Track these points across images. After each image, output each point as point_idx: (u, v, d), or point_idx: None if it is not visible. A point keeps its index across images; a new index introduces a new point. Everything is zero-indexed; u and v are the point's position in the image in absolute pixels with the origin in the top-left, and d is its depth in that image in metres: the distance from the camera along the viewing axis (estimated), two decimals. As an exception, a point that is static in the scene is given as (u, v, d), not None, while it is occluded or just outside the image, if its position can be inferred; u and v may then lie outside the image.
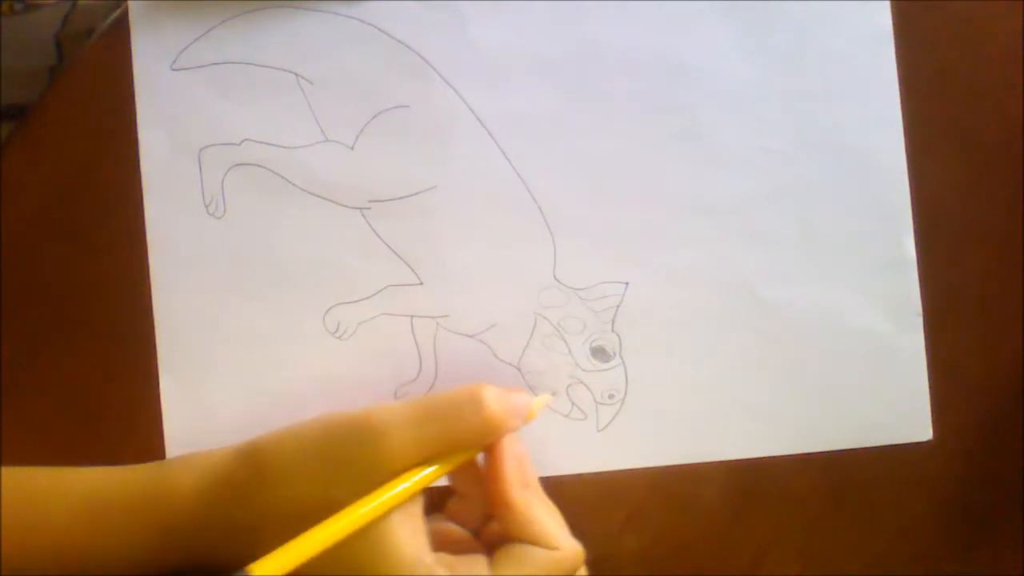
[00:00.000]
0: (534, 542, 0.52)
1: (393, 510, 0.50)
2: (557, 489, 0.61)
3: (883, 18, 0.62)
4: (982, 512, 0.65)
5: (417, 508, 0.52)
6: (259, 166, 0.61)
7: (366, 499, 0.49)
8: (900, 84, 0.62)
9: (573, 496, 0.62)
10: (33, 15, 0.65)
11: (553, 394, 0.61)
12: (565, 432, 0.62)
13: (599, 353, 0.62)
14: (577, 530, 0.61)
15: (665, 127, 0.62)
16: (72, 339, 0.62)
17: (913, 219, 0.62)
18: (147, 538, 0.52)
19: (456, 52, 0.61)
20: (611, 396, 0.62)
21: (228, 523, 0.51)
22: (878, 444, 0.62)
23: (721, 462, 0.62)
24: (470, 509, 0.56)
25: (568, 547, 0.53)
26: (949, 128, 0.64)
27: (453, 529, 0.56)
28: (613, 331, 0.62)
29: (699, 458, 0.62)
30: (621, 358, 0.62)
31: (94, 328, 0.62)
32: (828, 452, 0.62)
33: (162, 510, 0.52)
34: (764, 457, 0.62)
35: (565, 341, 0.62)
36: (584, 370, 0.62)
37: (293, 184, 0.61)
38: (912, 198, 0.62)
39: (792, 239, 0.62)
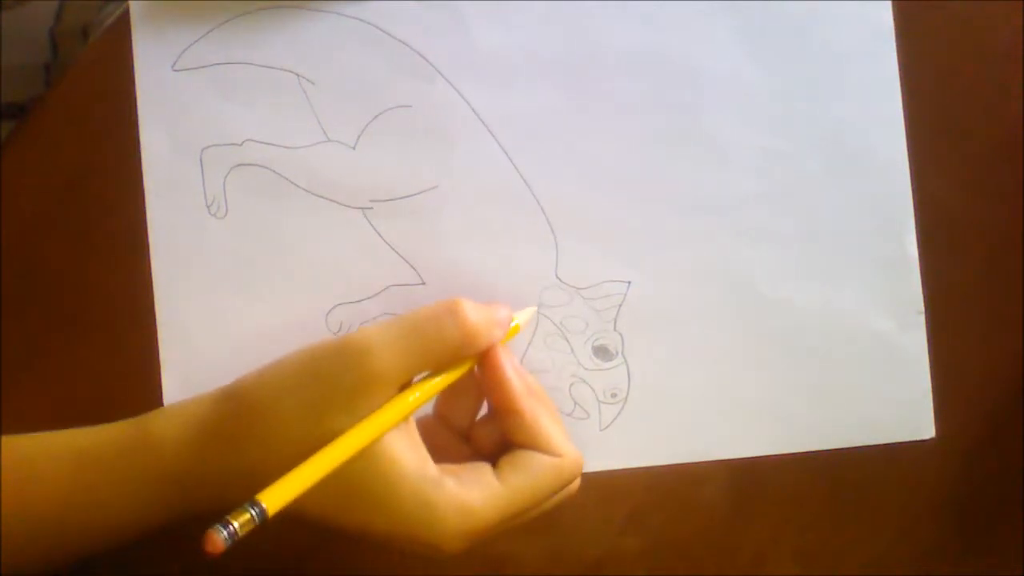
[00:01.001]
0: (539, 449, 0.53)
1: (390, 430, 0.50)
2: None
3: (884, 17, 0.62)
4: (982, 512, 0.65)
5: (412, 425, 0.52)
6: (261, 166, 0.61)
7: (363, 423, 0.49)
8: (901, 85, 0.62)
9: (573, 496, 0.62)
10: (26, 9, 0.64)
11: (537, 307, 0.61)
12: (568, 431, 0.62)
13: (601, 352, 0.62)
14: (577, 530, 0.62)
15: (667, 126, 0.62)
16: (72, 339, 0.62)
17: (913, 215, 0.62)
18: (139, 491, 0.51)
19: (458, 52, 0.61)
20: (613, 395, 0.62)
21: (223, 469, 0.50)
22: (880, 442, 0.63)
23: (721, 462, 0.63)
24: (459, 412, 0.56)
25: (571, 454, 0.53)
26: (949, 128, 0.64)
27: (442, 432, 0.56)
28: (615, 330, 0.62)
29: (702, 457, 0.62)
30: (623, 357, 0.62)
31: (95, 328, 0.62)
32: (828, 452, 0.62)
33: (150, 462, 0.51)
34: (764, 457, 0.62)
35: (567, 340, 0.62)
36: (586, 369, 0.62)
37: (295, 184, 0.61)
38: (913, 197, 0.62)
39: (794, 238, 0.62)
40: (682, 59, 0.62)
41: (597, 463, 0.62)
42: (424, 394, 0.51)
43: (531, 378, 0.55)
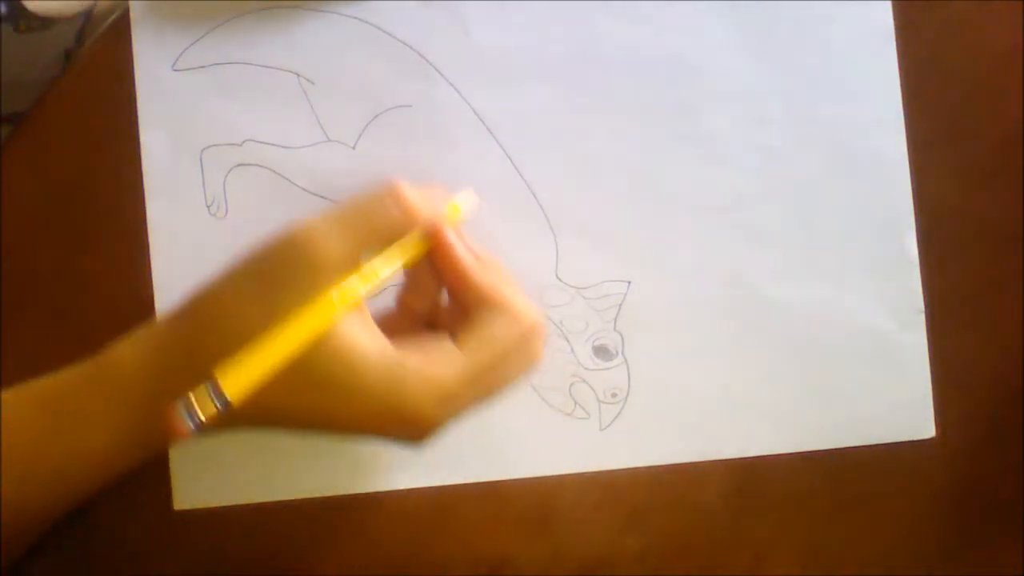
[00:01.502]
0: (494, 310, 0.52)
1: (343, 314, 0.50)
2: (557, 489, 0.61)
3: (885, 17, 0.62)
4: (982, 512, 0.65)
5: (365, 311, 0.51)
6: (261, 166, 0.61)
7: (314, 303, 0.49)
8: (900, 84, 0.62)
9: (573, 496, 0.62)
10: (48, 31, 0.65)
11: (478, 196, 0.59)
12: (568, 431, 0.62)
13: (601, 352, 0.62)
14: (577, 530, 0.62)
15: (668, 126, 0.62)
16: (72, 340, 0.62)
17: (913, 215, 0.62)
18: (107, 419, 0.51)
19: (458, 52, 0.61)
20: (614, 395, 0.62)
21: (184, 381, 0.49)
22: (881, 442, 0.63)
23: (721, 462, 0.63)
24: (420, 297, 0.56)
25: (525, 307, 0.53)
26: (949, 128, 0.64)
27: (405, 320, 0.56)
28: (615, 330, 0.62)
29: (702, 456, 0.62)
30: (624, 357, 0.62)
31: (95, 329, 0.62)
32: (829, 452, 0.63)
33: (113, 388, 0.51)
34: (765, 457, 0.62)
35: (567, 340, 0.62)
36: (587, 369, 0.62)
37: (295, 184, 0.61)
38: (913, 197, 0.62)
39: (794, 237, 0.62)
40: (682, 59, 0.62)
41: (597, 463, 0.62)
42: (375, 274, 0.51)
43: (483, 250, 0.54)
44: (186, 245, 0.61)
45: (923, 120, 0.63)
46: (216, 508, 0.61)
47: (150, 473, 0.61)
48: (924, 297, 0.63)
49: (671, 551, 0.64)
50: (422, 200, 0.53)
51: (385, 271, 0.51)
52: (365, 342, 0.50)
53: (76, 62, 0.62)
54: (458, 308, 0.54)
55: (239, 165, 0.61)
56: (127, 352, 0.51)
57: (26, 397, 0.52)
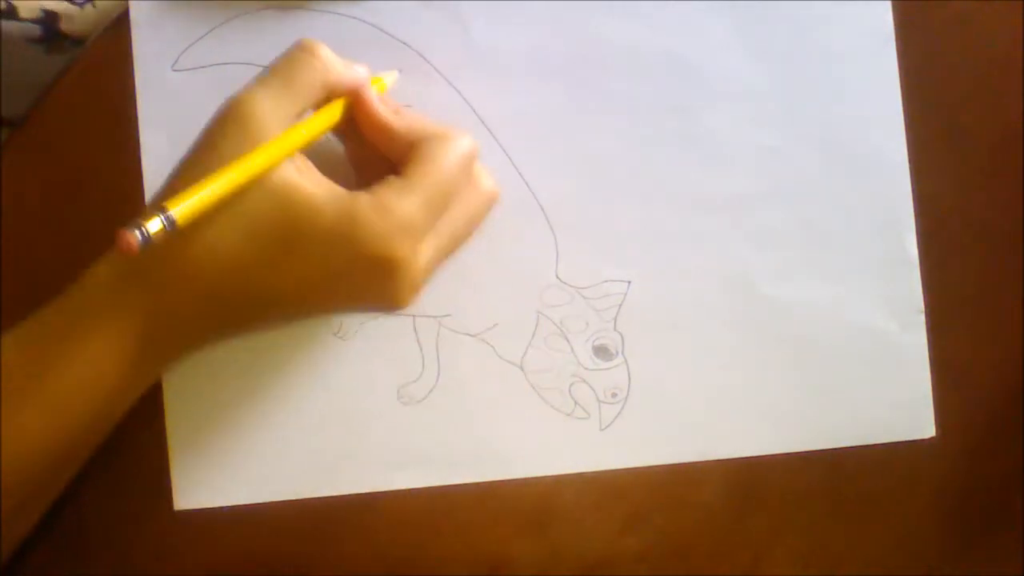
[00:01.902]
0: (424, 141, 0.53)
1: (279, 158, 0.50)
2: (557, 489, 0.61)
3: (885, 17, 0.62)
4: (982, 512, 0.65)
5: (309, 163, 0.52)
6: (260, 166, 0.61)
7: (262, 148, 0.50)
8: (900, 84, 0.62)
9: (573, 496, 0.62)
10: (77, 49, 0.65)
11: (399, 71, 0.61)
12: (568, 431, 0.62)
13: (601, 352, 0.62)
14: (577, 530, 0.62)
15: (667, 126, 0.62)
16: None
17: (914, 217, 0.62)
18: (90, 332, 0.52)
19: (457, 51, 0.61)
20: (614, 395, 0.62)
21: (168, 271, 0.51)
22: (881, 441, 0.63)
23: (721, 462, 0.63)
24: (367, 162, 0.57)
25: (458, 133, 0.54)
26: (949, 128, 0.64)
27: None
28: (616, 330, 0.62)
29: (702, 456, 0.62)
30: (624, 357, 0.62)
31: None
32: (829, 452, 0.63)
33: (86, 300, 0.53)
34: (765, 457, 0.62)
35: (567, 340, 0.62)
36: (587, 369, 0.62)
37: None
38: (913, 197, 0.62)
39: (794, 237, 0.62)
40: (683, 59, 0.62)
41: (597, 463, 0.62)
42: (304, 128, 0.52)
43: (400, 107, 0.56)
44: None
45: (923, 120, 0.63)
46: (216, 508, 0.61)
47: (150, 473, 0.61)
48: (924, 297, 0.62)
49: (671, 551, 0.64)
50: (334, 54, 0.54)
51: (314, 127, 0.53)
52: (308, 184, 0.51)
53: (76, 62, 0.62)
54: (395, 163, 0.54)
55: (239, 165, 0.61)
56: (94, 274, 0.53)
57: (20, 335, 0.53)
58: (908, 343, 0.63)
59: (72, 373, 0.52)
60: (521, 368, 0.62)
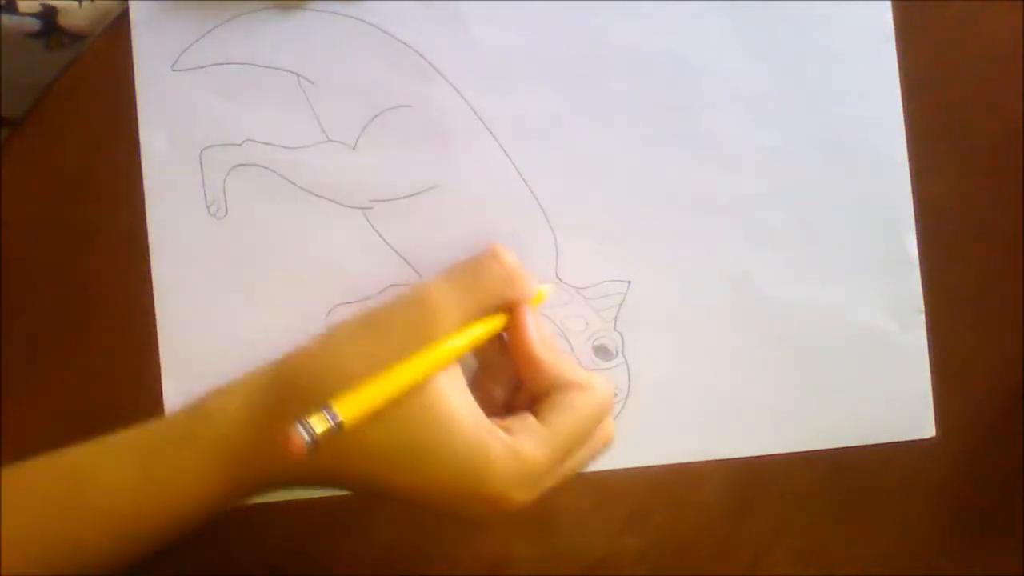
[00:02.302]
0: (568, 388, 0.53)
1: (442, 371, 0.51)
2: (558, 489, 0.61)
3: (885, 17, 0.62)
4: (982, 512, 0.65)
5: (461, 375, 0.53)
6: (261, 167, 0.61)
7: (427, 350, 0.50)
8: (900, 85, 0.62)
9: (573, 496, 0.62)
10: (78, 45, 0.65)
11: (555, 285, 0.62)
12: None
13: (602, 352, 0.62)
14: (577, 530, 0.62)
15: (667, 126, 0.62)
16: (72, 341, 0.62)
17: (914, 217, 0.62)
18: (201, 468, 0.51)
19: (457, 51, 0.61)
20: (614, 395, 0.62)
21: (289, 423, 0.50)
22: (881, 441, 0.63)
23: (721, 462, 0.63)
24: (496, 383, 0.57)
25: (600, 383, 0.54)
26: (949, 128, 0.64)
27: (484, 407, 0.56)
28: (615, 330, 0.62)
29: (702, 456, 0.62)
30: (624, 357, 0.62)
31: (95, 330, 0.62)
32: (829, 451, 0.63)
33: (210, 438, 0.52)
34: (765, 457, 0.62)
35: (567, 340, 0.62)
36: (587, 369, 0.62)
37: (295, 184, 0.61)
38: (913, 197, 0.62)
39: (794, 237, 0.62)
40: (682, 59, 0.62)
41: (598, 462, 0.62)
42: (474, 336, 0.53)
43: (550, 337, 0.57)
44: (186, 245, 0.61)
45: (923, 120, 0.63)
46: (216, 508, 0.61)
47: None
48: (924, 297, 0.62)
49: (671, 551, 0.64)
50: (517, 261, 0.55)
51: (480, 335, 0.53)
52: (462, 405, 0.51)
53: (76, 62, 0.63)
54: (531, 389, 0.55)
55: (239, 165, 0.61)
56: (227, 405, 0.52)
57: (121, 444, 0.53)
58: (908, 343, 0.63)
59: (169, 509, 0.52)
60: (522, 368, 0.62)
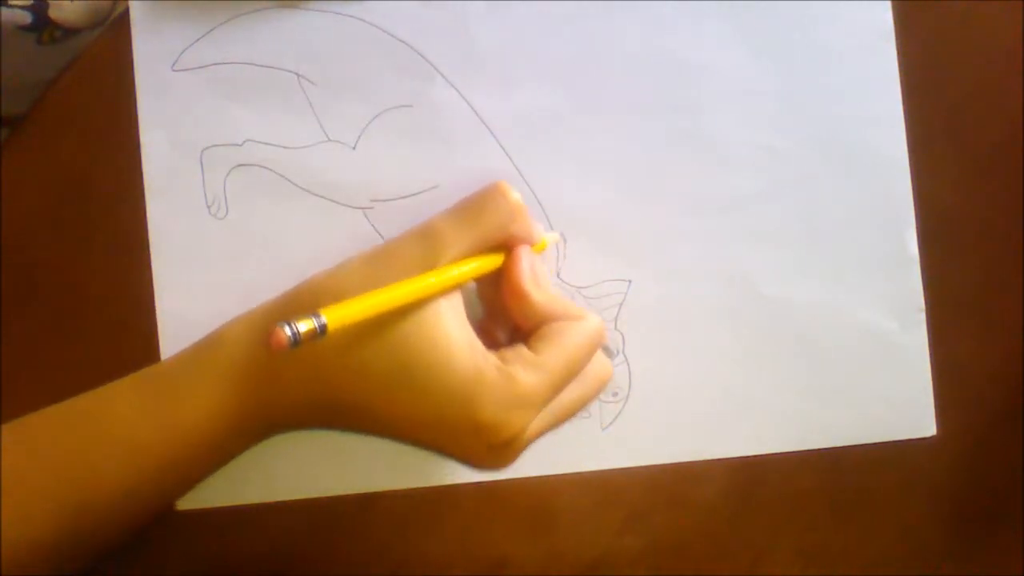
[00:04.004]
0: (558, 319, 0.55)
1: (443, 295, 0.52)
2: (557, 489, 0.61)
3: (884, 16, 0.62)
4: (982, 512, 0.65)
5: (461, 305, 0.54)
6: (261, 166, 0.61)
7: (421, 276, 0.52)
8: (900, 84, 0.62)
9: (573, 496, 0.62)
10: (71, 41, 0.65)
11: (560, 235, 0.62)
12: (569, 430, 0.61)
13: (603, 351, 0.62)
14: (577, 530, 0.62)
15: (667, 125, 0.62)
16: (72, 340, 0.62)
17: (914, 217, 0.62)
18: (214, 389, 0.53)
19: (458, 51, 0.61)
20: (615, 394, 0.62)
21: (290, 359, 0.52)
22: (882, 440, 0.63)
23: (721, 462, 0.63)
24: (500, 328, 0.58)
25: (591, 315, 0.56)
26: (949, 128, 0.64)
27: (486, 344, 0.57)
28: (616, 329, 0.62)
29: (703, 455, 0.63)
30: (624, 356, 0.62)
31: (95, 329, 0.62)
32: (829, 451, 0.63)
33: (221, 361, 0.54)
34: (765, 457, 0.62)
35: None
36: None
37: (295, 184, 0.61)
38: (912, 197, 0.62)
39: (794, 237, 0.62)
40: (683, 58, 0.62)
41: (599, 462, 0.62)
42: (475, 267, 0.55)
43: (545, 278, 0.57)
44: (186, 245, 0.61)
45: (923, 120, 0.63)
46: (216, 508, 0.61)
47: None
48: (925, 297, 0.63)
49: (671, 551, 0.64)
50: (520, 198, 0.56)
51: (478, 269, 0.55)
52: (458, 329, 0.52)
53: (76, 62, 0.62)
54: (525, 332, 0.56)
55: (239, 165, 0.61)
56: (233, 327, 0.55)
57: (135, 378, 0.55)
58: (909, 342, 0.63)
59: (183, 436, 0.53)
60: (522, 367, 0.62)
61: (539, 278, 0.56)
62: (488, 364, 0.52)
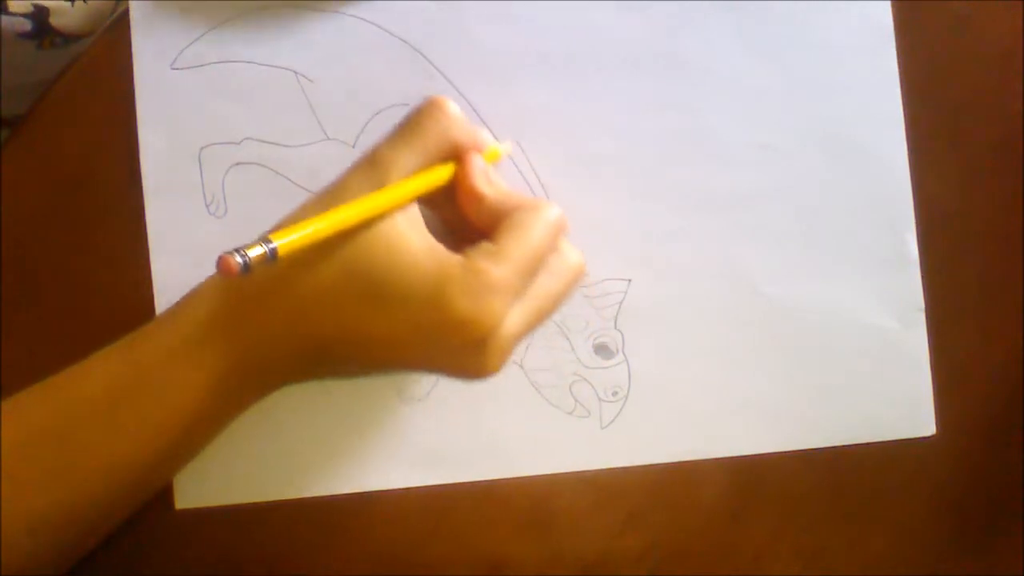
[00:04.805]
0: (514, 210, 0.54)
1: (398, 211, 0.52)
2: (557, 489, 0.61)
3: (883, 14, 0.62)
4: (982, 512, 0.65)
5: (418, 216, 0.54)
6: (260, 165, 0.61)
7: (370, 195, 0.52)
8: (900, 84, 0.62)
9: (573, 496, 0.62)
10: (71, 47, 0.65)
11: (513, 143, 0.62)
12: (569, 430, 0.62)
13: (602, 350, 0.62)
14: (577, 530, 0.62)
15: (667, 124, 0.62)
16: (72, 340, 0.62)
17: (914, 217, 0.62)
18: (200, 350, 0.53)
19: (457, 49, 0.61)
20: (614, 393, 0.62)
21: (258, 294, 0.53)
22: (882, 439, 0.63)
23: (721, 462, 0.63)
24: (461, 245, 0.57)
25: (547, 202, 0.55)
26: (949, 128, 0.64)
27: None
28: (616, 328, 0.62)
29: (703, 455, 0.62)
30: (624, 355, 0.62)
31: (95, 329, 0.61)
32: (829, 451, 0.63)
33: (200, 317, 0.54)
34: (764, 457, 0.63)
35: (568, 339, 0.62)
36: (587, 367, 0.62)
37: (294, 183, 0.61)
38: (912, 197, 0.62)
39: (794, 235, 0.62)
40: (682, 57, 0.62)
41: (599, 461, 0.62)
42: (425, 180, 0.54)
43: (498, 179, 0.57)
44: (185, 244, 0.61)
45: (923, 120, 0.63)
46: (216, 508, 0.61)
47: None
48: (924, 297, 0.63)
49: (671, 551, 0.64)
50: (467, 125, 0.55)
51: (424, 182, 0.54)
52: (413, 237, 0.52)
53: (76, 62, 0.62)
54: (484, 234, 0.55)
55: (238, 164, 0.61)
56: (210, 285, 0.54)
57: (113, 346, 0.55)
58: (909, 341, 0.63)
59: (166, 396, 0.53)
60: (521, 367, 0.62)
61: (492, 177, 0.56)
62: (452, 262, 0.51)
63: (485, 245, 0.52)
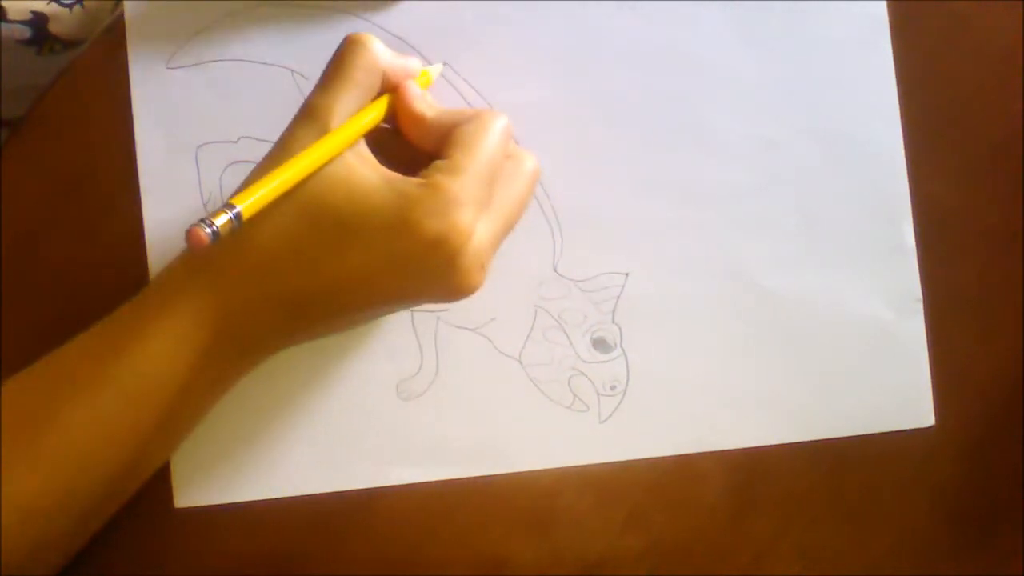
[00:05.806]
0: (456, 124, 0.55)
1: (345, 150, 0.53)
2: (558, 489, 0.61)
3: (879, 9, 0.63)
4: (982, 512, 0.65)
5: (367, 151, 0.54)
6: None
7: (317, 143, 0.52)
8: (900, 84, 0.63)
9: (573, 496, 0.62)
10: (70, 53, 0.65)
11: (445, 63, 0.62)
12: (567, 424, 0.62)
13: (600, 344, 0.62)
14: (577, 530, 0.61)
15: (665, 118, 0.62)
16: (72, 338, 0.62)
17: (913, 214, 0.63)
18: (164, 325, 0.53)
19: (455, 46, 0.62)
20: (612, 387, 0.62)
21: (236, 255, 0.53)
22: (880, 431, 0.63)
23: (721, 461, 0.63)
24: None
25: (485, 110, 0.56)
26: (949, 127, 0.64)
27: None
28: (614, 322, 0.62)
29: (702, 448, 0.62)
30: (622, 349, 0.62)
31: (94, 327, 0.62)
32: (828, 451, 0.63)
33: (161, 295, 0.54)
34: (765, 456, 0.62)
35: (566, 333, 0.62)
36: (585, 362, 0.62)
37: (292, 181, 0.61)
38: (912, 197, 0.63)
39: (792, 228, 0.62)
40: (680, 52, 0.62)
41: (597, 455, 0.62)
42: (366, 117, 0.54)
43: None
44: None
45: (922, 120, 0.63)
46: (216, 507, 0.61)
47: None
48: (924, 295, 0.63)
49: (671, 551, 0.64)
50: (392, 55, 0.55)
51: (364, 119, 0.54)
52: (365, 170, 0.52)
53: (74, 64, 0.63)
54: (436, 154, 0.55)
55: (235, 162, 0.61)
56: (175, 259, 0.55)
57: (86, 331, 0.55)
58: (906, 332, 0.63)
59: (146, 368, 0.53)
60: (520, 362, 0.62)
61: (429, 100, 0.56)
62: (409, 185, 0.52)
63: (438, 163, 0.53)
